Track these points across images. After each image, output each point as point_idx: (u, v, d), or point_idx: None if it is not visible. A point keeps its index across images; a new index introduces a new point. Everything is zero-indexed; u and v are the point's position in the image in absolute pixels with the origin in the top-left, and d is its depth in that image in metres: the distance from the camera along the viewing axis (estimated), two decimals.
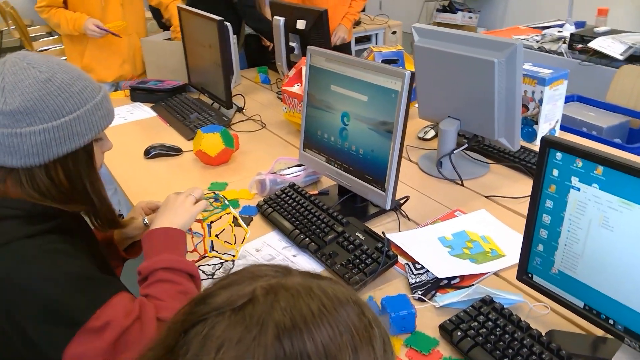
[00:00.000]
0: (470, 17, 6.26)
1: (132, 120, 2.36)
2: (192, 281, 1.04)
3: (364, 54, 2.32)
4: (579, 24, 3.54)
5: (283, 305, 0.51)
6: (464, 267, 1.29)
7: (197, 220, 1.24)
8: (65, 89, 0.95)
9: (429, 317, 1.15)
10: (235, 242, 1.29)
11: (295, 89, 2.05)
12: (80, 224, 1.06)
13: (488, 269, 1.29)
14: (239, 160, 1.95)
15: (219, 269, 1.33)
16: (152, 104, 2.52)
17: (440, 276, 1.25)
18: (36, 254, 0.89)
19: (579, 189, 0.97)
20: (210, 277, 1.31)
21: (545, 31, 3.49)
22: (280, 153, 1.95)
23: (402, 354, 1.07)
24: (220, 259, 1.29)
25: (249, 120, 2.32)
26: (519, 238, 1.12)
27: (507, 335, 1.04)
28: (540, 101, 1.87)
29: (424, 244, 1.38)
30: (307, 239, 1.39)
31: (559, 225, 1.02)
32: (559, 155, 0.99)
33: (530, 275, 1.10)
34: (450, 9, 6.37)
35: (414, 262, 1.31)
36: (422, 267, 1.29)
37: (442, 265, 1.29)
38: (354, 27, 4.11)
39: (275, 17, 2.51)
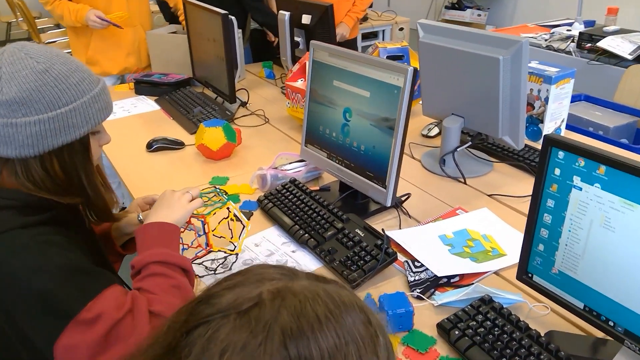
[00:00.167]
0: (479, 15, 6.21)
1: (136, 114, 2.36)
2: (185, 275, 1.03)
3: (369, 49, 2.30)
4: (589, 23, 3.50)
5: (290, 310, 0.50)
6: (464, 266, 1.27)
7: (200, 216, 1.23)
8: (63, 80, 0.94)
9: (427, 316, 1.14)
10: (235, 236, 1.28)
11: (299, 84, 2.04)
12: (77, 216, 1.06)
13: (488, 268, 1.27)
14: (241, 154, 1.94)
15: (221, 263, 1.32)
16: (156, 97, 2.52)
17: (439, 274, 1.24)
18: (29, 244, 0.89)
19: (580, 189, 0.95)
20: (212, 272, 1.30)
21: (554, 30, 3.45)
22: (282, 148, 1.94)
23: (399, 352, 1.06)
24: (226, 252, 1.28)
25: (253, 115, 2.31)
26: (521, 237, 1.11)
27: (505, 335, 1.02)
28: (546, 100, 1.85)
29: (424, 242, 1.37)
30: (306, 235, 1.38)
31: (560, 224, 1.00)
32: (561, 154, 0.98)
33: (530, 275, 1.09)
34: (459, 6, 6.32)
35: (414, 259, 1.30)
36: (422, 265, 1.28)
37: (442, 264, 1.28)
38: (361, 24, 4.08)
39: (281, 11, 2.50)
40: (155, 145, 1.97)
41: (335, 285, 0.56)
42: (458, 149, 1.74)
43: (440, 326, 1.09)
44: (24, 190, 0.95)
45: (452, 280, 1.24)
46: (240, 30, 2.63)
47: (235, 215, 1.30)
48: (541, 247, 1.05)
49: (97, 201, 1.04)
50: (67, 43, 2.88)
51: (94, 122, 0.99)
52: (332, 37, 2.40)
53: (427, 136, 2.05)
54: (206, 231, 1.25)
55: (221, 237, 1.28)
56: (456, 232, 1.41)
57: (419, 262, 1.29)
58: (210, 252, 1.26)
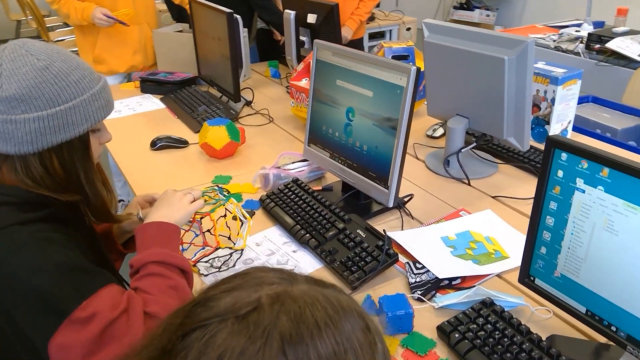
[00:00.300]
0: (488, 15, 6.18)
1: (141, 112, 2.36)
2: (183, 276, 1.02)
3: (374, 49, 2.29)
4: (598, 24, 3.47)
5: (290, 316, 0.49)
6: (466, 268, 1.26)
7: (206, 214, 1.23)
8: (63, 78, 0.94)
9: (427, 318, 1.13)
10: (238, 234, 1.28)
11: (303, 83, 2.04)
12: (76, 214, 1.05)
13: (490, 270, 1.26)
14: (245, 153, 1.94)
15: (225, 261, 1.32)
16: (161, 96, 2.52)
17: (440, 276, 1.22)
18: (27, 241, 0.88)
19: (583, 191, 0.94)
20: (217, 270, 1.29)
21: (563, 30, 3.42)
22: (286, 148, 1.94)
23: (398, 355, 1.05)
24: (232, 248, 1.27)
25: (257, 114, 2.30)
26: (524, 240, 1.09)
27: (506, 339, 1.01)
28: (553, 101, 1.83)
29: (426, 243, 1.36)
30: (307, 235, 1.38)
31: (562, 227, 0.99)
32: (564, 155, 0.96)
33: (532, 278, 1.08)
34: (467, 6, 6.29)
35: (415, 261, 1.29)
36: (423, 267, 1.26)
37: (444, 265, 1.26)
38: (367, 23, 4.07)
39: (286, 10, 2.49)
40: (159, 144, 1.97)
41: (334, 290, 0.55)
42: (462, 150, 1.73)
43: (440, 329, 1.07)
44: (23, 187, 0.95)
45: (453, 283, 1.23)
46: (246, 29, 2.63)
47: (237, 212, 1.29)
48: (543, 250, 1.04)
49: (95, 200, 1.03)
50: (75, 42, 2.89)
51: (94, 120, 0.99)
52: (338, 36, 2.39)
53: (431, 137, 2.03)
54: (211, 228, 1.24)
55: (223, 235, 1.28)
56: (459, 234, 1.40)
57: (420, 263, 1.28)
58: (217, 248, 1.25)
